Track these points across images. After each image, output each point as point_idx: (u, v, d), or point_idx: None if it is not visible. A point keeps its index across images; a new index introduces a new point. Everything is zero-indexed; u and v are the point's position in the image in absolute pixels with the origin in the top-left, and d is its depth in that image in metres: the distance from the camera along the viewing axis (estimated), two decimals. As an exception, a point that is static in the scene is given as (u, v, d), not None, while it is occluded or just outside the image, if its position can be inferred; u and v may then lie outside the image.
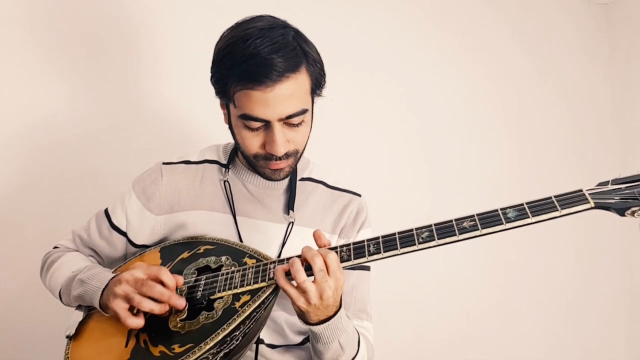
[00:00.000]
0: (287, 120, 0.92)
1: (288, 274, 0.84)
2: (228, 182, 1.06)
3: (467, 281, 2.08)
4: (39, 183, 1.46)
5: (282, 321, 1.03)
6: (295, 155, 0.99)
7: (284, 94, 0.89)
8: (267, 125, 0.92)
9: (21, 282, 1.41)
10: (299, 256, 0.85)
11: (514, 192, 2.14)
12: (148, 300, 0.84)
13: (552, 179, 2.27)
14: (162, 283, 0.86)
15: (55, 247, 1.13)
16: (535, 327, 2.24)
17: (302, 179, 1.11)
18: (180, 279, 0.89)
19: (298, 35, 0.95)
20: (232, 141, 1.14)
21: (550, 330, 2.27)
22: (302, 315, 0.87)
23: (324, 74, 0.98)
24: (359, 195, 1.14)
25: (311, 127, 1.01)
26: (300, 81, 0.91)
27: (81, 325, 0.95)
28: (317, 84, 0.97)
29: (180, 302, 0.85)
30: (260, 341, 1.00)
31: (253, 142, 0.96)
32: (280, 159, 0.96)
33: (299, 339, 1.06)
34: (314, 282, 0.82)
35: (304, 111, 0.94)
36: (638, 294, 2.42)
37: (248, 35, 0.90)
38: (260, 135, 0.94)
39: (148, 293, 0.85)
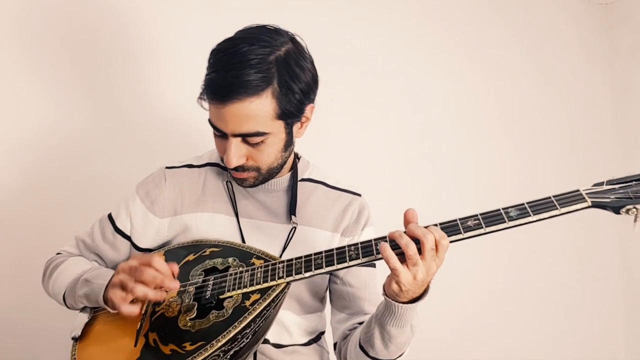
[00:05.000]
0: (243, 138, 0.94)
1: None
2: (231, 183, 1.08)
3: (466, 281, 2.08)
4: (41, 186, 1.47)
5: (289, 321, 1.05)
6: (259, 170, 0.99)
7: (237, 114, 0.90)
8: (225, 135, 0.95)
9: (24, 284, 1.40)
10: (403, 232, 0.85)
11: (513, 192, 2.15)
12: (142, 285, 0.85)
13: (552, 179, 2.28)
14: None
15: (58, 254, 1.13)
16: (534, 327, 2.25)
17: (302, 180, 1.13)
18: (175, 267, 0.89)
19: (287, 58, 0.93)
20: None
21: (549, 329, 2.28)
22: (396, 294, 0.86)
23: (303, 105, 0.96)
24: (359, 195, 1.15)
25: (285, 148, 1.00)
26: (259, 105, 0.90)
27: (87, 327, 0.96)
28: (288, 114, 0.94)
29: (174, 284, 0.85)
30: (265, 341, 1.01)
31: (220, 147, 0.99)
32: (236, 170, 0.98)
33: (305, 339, 1.08)
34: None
35: (262, 134, 0.93)
36: (637, 293, 2.43)
37: (224, 47, 0.93)
38: (224, 142, 0.96)
39: (141, 278, 0.85)
